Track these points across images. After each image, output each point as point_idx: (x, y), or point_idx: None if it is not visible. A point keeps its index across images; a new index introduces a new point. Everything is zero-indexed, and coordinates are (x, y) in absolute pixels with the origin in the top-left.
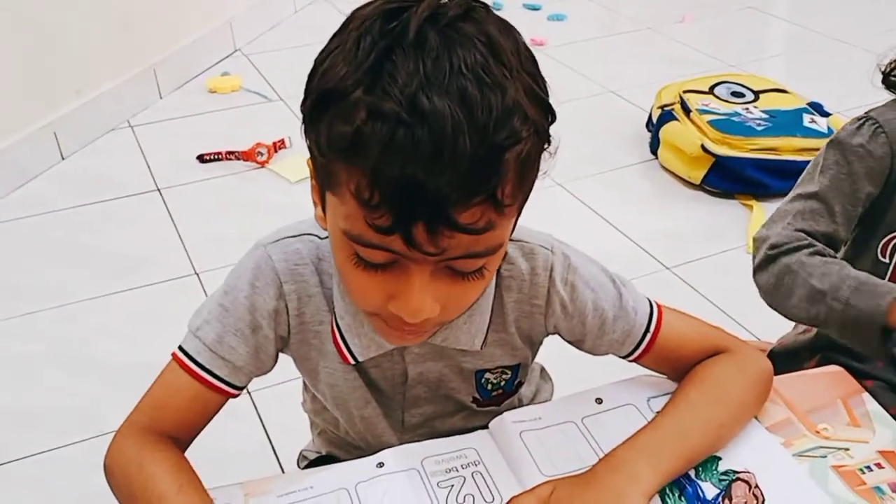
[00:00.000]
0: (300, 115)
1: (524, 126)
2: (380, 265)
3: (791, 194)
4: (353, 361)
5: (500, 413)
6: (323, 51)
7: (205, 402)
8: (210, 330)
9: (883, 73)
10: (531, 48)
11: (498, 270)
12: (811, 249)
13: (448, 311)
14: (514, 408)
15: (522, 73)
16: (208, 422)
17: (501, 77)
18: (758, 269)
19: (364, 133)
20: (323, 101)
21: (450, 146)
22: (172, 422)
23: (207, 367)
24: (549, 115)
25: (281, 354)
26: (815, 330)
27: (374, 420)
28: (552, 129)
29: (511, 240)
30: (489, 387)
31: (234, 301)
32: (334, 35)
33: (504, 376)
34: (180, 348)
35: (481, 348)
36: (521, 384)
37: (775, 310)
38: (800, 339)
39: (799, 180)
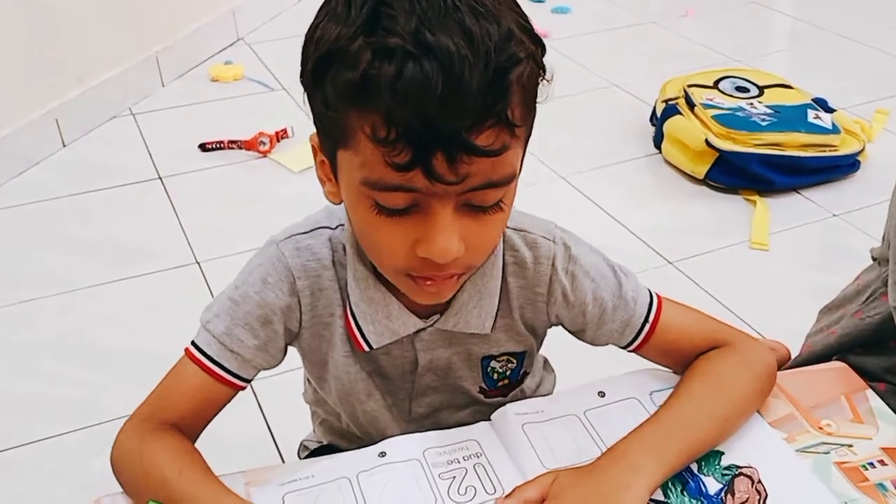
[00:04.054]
0: (302, 104)
1: (520, 48)
2: (401, 210)
3: None
4: (367, 348)
5: (506, 405)
6: (311, 25)
7: (211, 393)
8: (219, 323)
9: None
10: None
11: (504, 257)
12: None
13: (472, 251)
14: (518, 400)
15: (509, 9)
16: (215, 414)
17: (493, 8)
18: None
19: (371, 75)
20: (324, 62)
21: (459, 76)
22: (177, 411)
23: (216, 358)
24: (540, 46)
25: (288, 348)
26: (811, 348)
27: (378, 414)
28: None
29: (514, 229)
30: (495, 376)
31: (244, 295)
32: (320, 8)
33: (510, 365)
34: (193, 343)
35: (491, 331)
36: (526, 375)
37: None
38: (801, 358)
39: None
